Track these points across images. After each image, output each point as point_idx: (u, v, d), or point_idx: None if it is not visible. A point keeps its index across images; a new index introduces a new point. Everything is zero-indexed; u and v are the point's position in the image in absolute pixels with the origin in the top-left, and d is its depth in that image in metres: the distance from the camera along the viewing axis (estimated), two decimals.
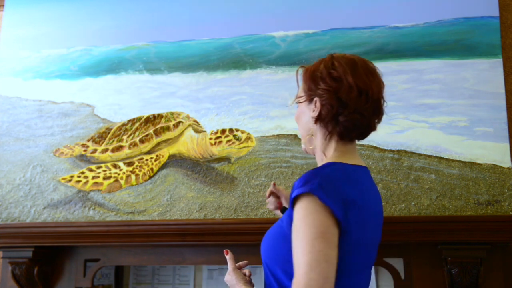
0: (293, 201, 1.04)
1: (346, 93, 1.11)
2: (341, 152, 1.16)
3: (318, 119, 1.15)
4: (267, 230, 1.30)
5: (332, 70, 1.14)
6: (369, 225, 1.13)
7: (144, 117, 2.01)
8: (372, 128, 1.17)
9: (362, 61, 1.17)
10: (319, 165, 1.20)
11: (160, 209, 1.88)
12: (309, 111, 1.18)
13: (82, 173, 1.99)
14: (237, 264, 1.26)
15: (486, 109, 1.73)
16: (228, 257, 1.25)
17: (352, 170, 1.14)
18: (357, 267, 1.09)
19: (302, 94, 1.21)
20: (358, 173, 1.15)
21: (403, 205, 1.71)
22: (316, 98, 1.15)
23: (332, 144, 1.17)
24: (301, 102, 1.21)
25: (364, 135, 1.18)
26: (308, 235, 0.98)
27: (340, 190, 1.05)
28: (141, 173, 1.94)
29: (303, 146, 1.25)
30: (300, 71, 1.24)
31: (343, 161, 1.14)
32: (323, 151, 1.18)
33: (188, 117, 1.97)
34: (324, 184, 1.02)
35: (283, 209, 1.23)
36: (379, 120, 1.18)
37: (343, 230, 1.02)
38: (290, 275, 1.05)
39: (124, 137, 2.00)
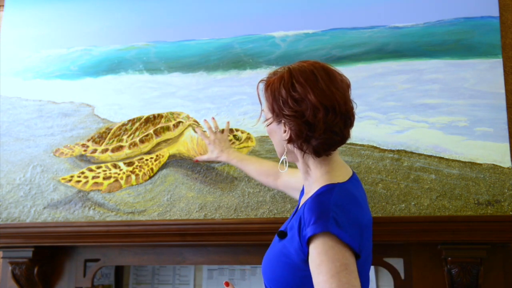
0: (309, 239, 1.03)
1: (312, 115, 1.07)
2: (327, 165, 1.14)
3: (290, 141, 1.13)
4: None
5: (293, 92, 1.09)
6: (371, 238, 1.14)
7: (144, 117, 2.01)
8: (347, 138, 1.15)
9: (322, 69, 1.12)
10: (304, 175, 1.19)
11: (160, 209, 1.88)
12: (280, 131, 1.16)
13: (82, 173, 1.99)
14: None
15: (486, 109, 1.73)
16: None
17: (351, 189, 1.13)
18: (365, 278, 1.11)
19: (269, 114, 1.17)
20: (354, 188, 1.15)
21: (403, 205, 1.71)
22: (284, 121, 1.12)
23: (313, 161, 1.15)
24: (269, 125, 1.18)
25: (336, 148, 1.15)
26: (333, 269, 0.98)
27: (354, 220, 1.05)
28: (141, 173, 1.94)
29: (278, 156, 1.23)
30: (261, 86, 1.20)
31: (338, 180, 1.12)
32: (306, 164, 1.17)
33: (188, 117, 1.97)
34: (338, 218, 1.01)
35: (279, 233, 1.20)
36: (352, 124, 1.15)
37: (358, 256, 1.03)
38: None
39: (124, 137, 2.00)
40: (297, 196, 1.47)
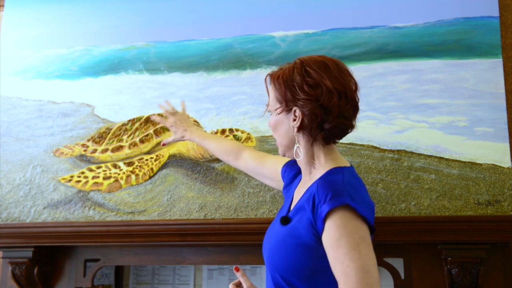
0: (326, 215, 1.04)
1: (328, 99, 1.10)
2: (332, 154, 1.18)
3: (301, 128, 1.15)
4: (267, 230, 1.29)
5: (308, 78, 1.12)
6: None
7: (144, 117, 2.01)
8: (354, 127, 1.18)
9: (332, 61, 1.16)
10: (306, 166, 1.20)
11: (160, 209, 1.88)
12: (288, 121, 1.17)
13: (82, 173, 1.99)
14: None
15: (486, 109, 1.73)
16: (240, 274, 1.22)
17: (355, 174, 1.18)
18: None
19: (277, 104, 1.18)
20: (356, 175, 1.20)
21: (403, 205, 1.71)
22: (295, 108, 1.14)
23: (318, 149, 1.17)
24: (279, 114, 1.19)
25: (344, 136, 1.19)
26: (352, 242, 1.00)
27: (366, 199, 1.10)
28: (141, 173, 1.94)
29: (280, 153, 1.24)
30: (268, 79, 1.22)
31: (344, 165, 1.17)
32: (311, 156, 1.18)
33: (188, 117, 1.97)
34: (353, 194, 1.05)
35: (282, 219, 1.20)
36: (356, 114, 1.18)
37: (373, 230, 1.08)
38: (312, 283, 1.08)
39: (124, 137, 2.00)
40: (262, 180, 1.53)
